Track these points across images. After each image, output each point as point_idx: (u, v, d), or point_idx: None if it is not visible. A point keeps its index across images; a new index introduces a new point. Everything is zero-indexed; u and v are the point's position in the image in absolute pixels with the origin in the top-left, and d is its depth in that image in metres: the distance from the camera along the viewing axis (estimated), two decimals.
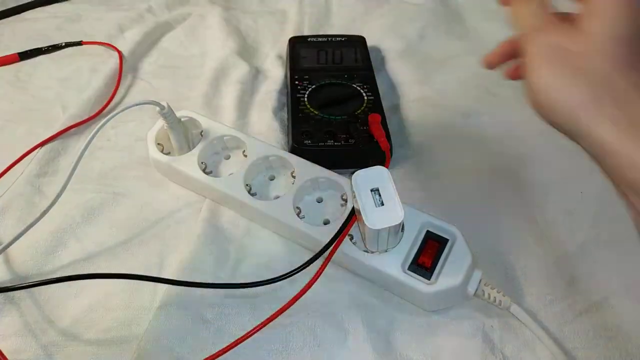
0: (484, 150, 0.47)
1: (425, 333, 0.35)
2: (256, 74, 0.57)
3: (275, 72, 0.57)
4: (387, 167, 0.36)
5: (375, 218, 0.32)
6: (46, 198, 0.44)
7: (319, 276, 0.34)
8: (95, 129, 0.36)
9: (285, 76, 0.56)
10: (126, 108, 0.38)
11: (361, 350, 0.34)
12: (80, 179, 0.45)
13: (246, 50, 0.61)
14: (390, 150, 0.45)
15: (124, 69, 0.57)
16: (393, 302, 0.37)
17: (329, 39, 0.58)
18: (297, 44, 0.57)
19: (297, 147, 0.44)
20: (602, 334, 0.35)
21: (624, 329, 0.35)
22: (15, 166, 0.46)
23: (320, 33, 0.64)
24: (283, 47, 0.60)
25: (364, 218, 0.32)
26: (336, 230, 0.35)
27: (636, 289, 0.37)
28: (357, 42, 0.57)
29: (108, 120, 0.37)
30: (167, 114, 0.40)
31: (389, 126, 0.46)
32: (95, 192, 0.44)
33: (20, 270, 0.39)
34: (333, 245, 0.35)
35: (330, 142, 0.44)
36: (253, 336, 0.34)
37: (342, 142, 0.44)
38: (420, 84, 0.56)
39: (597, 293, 0.37)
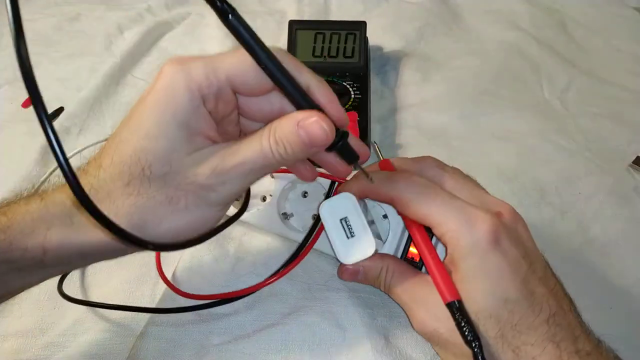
0: (482, 151, 0.48)
1: None
2: None
3: None
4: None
5: (348, 252, 0.31)
6: None
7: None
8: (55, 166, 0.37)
9: None
10: (87, 147, 0.38)
11: (360, 348, 0.34)
12: None
13: None
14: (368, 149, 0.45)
15: (124, 69, 0.57)
16: (392, 299, 0.37)
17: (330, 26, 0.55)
18: (297, 30, 0.55)
19: None
20: (598, 334, 0.35)
21: (622, 329, 0.35)
22: (16, 166, 0.46)
23: None
24: (282, 47, 0.60)
25: (336, 254, 0.31)
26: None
27: (634, 291, 0.37)
28: (357, 34, 0.54)
29: (71, 157, 0.38)
30: None
31: (394, 126, 0.46)
32: None
33: None
34: (297, 258, 0.36)
35: None
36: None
37: None
38: (418, 83, 0.56)
39: (596, 294, 0.37)
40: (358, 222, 0.32)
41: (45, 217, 0.25)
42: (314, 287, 0.37)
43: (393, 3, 0.68)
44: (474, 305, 0.27)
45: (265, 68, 0.23)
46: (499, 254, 0.27)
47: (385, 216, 0.35)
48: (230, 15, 0.22)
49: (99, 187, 0.25)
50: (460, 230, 0.27)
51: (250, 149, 0.25)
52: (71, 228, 0.25)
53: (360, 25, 0.54)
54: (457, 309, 0.27)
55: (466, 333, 0.26)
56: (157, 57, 0.60)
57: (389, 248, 0.34)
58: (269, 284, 0.34)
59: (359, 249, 0.31)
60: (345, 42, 0.54)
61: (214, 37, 0.62)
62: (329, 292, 0.37)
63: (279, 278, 0.34)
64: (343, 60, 0.53)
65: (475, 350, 0.26)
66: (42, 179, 0.37)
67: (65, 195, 0.25)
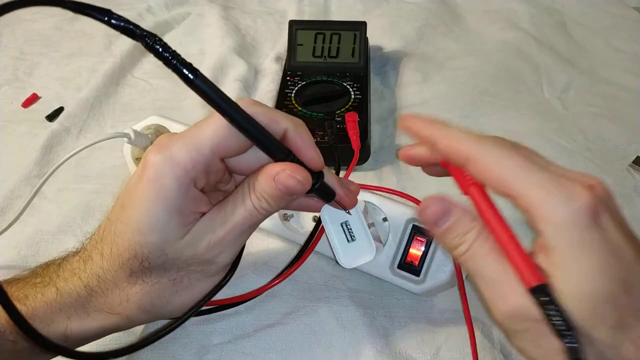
0: None
1: (424, 331, 0.35)
2: (255, 72, 0.57)
3: (274, 71, 0.57)
4: (352, 167, 0.35)
5: (348, 256, 0.31)
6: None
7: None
8: (55, 166, 0.37)
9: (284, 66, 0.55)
10: (86, 147, 0.37)
11: (360, 348, 0.34)
12: (80, 179, 0.46)
13: (245, 49, 0.61)
14: (368, 150, 0.45)
15: (124, 69, 0.57)
16: (392, 300, 0.37)
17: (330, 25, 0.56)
18: (297, 30, 0.55)
19: None
20: None
21: None
22: (15, 166, 0.46)
23: None
24: (282, 47, 0.60)
25: (336, 257, 0.32)
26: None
27: None
28: (357, 34, 0.54)
29: (71, 157, 0.37)
30: (136, 140, 0.39)
31: (394, 126, 0.46)
32: (95, 192, 0.44)
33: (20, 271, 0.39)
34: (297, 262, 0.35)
35: None
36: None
37: (318, 139, 0.44)
38: (418, 84, 0.56)
39: None
40: (359, 225, 0.32)
41: (63, 309, 0.27)
42: (314, 287, 0.37)
43: (393, 3, 0.69)
44: (580, 291, 0.22)
45: (233, 123, 0.23)
46: (602, 230, 0.23)
47: (385, 219, 0.35)
48: (194, 78, 0.22)
49: (105, 278, 0.27)
50: (555, 203, 0.23)
51: (237, 214, 0.26)
52: (89, 317, 0.27)
53: (360, 26, 0.54)
54: (546, 294, 0.22)
55: (558, 323, 0.21)
56: None
57: (388, 250, 0.34)
58: (271, 287, 0.34)
59: (359, 253, 0.31)
60: (346, 43, 0.54)
61: (214, 36, 0.62)
62: (329, 292, 0.37)
63: (281, 281, 0.34)
64: (343, 61, 0.53)
65: (569, 345, 0.21)
66: (42, 179, 0.37)
67: (77, 286, 0.27)
